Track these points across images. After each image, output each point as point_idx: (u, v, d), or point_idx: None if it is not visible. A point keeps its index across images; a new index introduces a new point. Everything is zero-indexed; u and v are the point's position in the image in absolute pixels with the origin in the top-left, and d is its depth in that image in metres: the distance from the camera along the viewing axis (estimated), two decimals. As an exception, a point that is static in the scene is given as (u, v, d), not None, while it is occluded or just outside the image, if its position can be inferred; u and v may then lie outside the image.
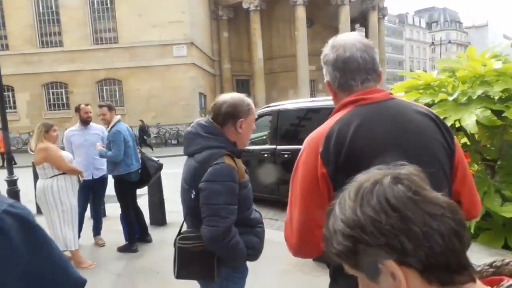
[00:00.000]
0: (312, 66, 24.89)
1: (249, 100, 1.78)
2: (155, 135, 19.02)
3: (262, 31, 24.61)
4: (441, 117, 1.27)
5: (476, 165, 3.19)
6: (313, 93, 25.73)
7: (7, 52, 19.25)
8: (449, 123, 2.54)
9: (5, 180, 5.37)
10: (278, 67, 27.25)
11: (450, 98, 2.64)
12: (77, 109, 4.48)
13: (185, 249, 1.64)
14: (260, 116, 6.49)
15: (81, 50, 20.15)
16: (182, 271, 1.68)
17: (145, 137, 17.24)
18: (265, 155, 5.90)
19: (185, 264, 1.66)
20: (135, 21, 19.53)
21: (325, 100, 5.37)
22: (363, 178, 0.61)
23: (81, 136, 4.54)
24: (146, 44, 19.73)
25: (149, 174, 4.46)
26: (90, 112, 4.56)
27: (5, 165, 5.79)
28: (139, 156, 4.52)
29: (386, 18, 33.03)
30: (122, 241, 4.44)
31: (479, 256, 2.74)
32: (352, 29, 28.93)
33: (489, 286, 0.59)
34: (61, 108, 20.93)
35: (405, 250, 0.53)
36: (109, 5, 20.45)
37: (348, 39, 1.23)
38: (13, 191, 5.28)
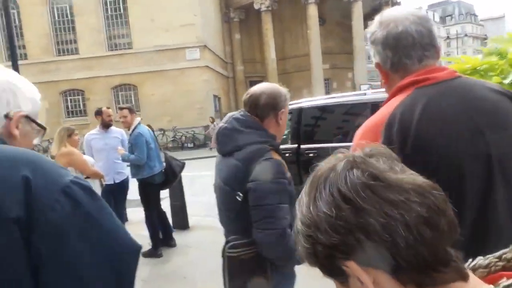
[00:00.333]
0: (326, 65, 24.61)
1: (284, 90, 1.67)
2: (171, 139, 19.09)
3: (274, 31, 24.46)
4: None
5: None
6: (328, 92, 25.38)
7: (26, 62, 19.59)
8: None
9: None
10: (291, 67, 27.04)
11: (506, 81, 2.43)
12: (99, 113, 4.44)
13: (235, 257, 1.49)
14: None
15: (96, 57, 20.39)
16: (233, 282, 1.54)
17: None
18: (287, 154, 5.74)
19: (236, 273, 1.51)
20: (148, 25, 19.65)
21: (347, 96, 5.21)
22: (320, 166, 0.53)
23: (102, 140, 4.49)
24: (159, 49, 19.82)
25: (175, 174, 4.43)
26: (112, 115, 4.53)
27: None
28: (162, 157, 4.47)
29: (399, 13, 32.40)
30: (146, 246, 4.36)
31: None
32: (365, 26, 28.52)
33: (491, 284, 0.49)
34: (78, 114, 21.21)
35: (364, 249, 0.45)
36: (122, 10, 20.66)
37: (398, 12, 1.08)
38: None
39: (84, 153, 4.29)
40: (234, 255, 1.48)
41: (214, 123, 17.88)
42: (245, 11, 26.09)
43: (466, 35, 54.73)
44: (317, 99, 6.22)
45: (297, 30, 26.78)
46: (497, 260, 0.54)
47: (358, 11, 24.00)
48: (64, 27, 21.18)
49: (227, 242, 1.54)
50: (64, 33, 21.19)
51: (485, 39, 72.64)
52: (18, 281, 0.63)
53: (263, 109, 1.58)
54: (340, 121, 4.94)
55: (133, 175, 4.23)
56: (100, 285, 0.70)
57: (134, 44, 20.46)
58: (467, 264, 0.54)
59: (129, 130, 4.21)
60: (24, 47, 20.77)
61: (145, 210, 4.31)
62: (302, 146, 5.51)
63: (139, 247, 0.80)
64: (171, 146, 18.41)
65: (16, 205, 0.64)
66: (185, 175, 5.73)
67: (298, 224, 0.52)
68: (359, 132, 1.06)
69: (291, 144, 5.79)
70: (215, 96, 22.39)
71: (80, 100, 21.19)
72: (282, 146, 6.24)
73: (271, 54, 24.20)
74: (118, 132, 4.63)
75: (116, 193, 4.52)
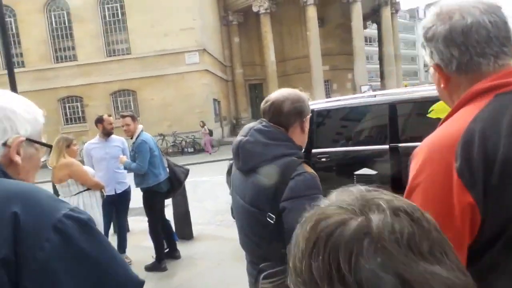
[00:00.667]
0: (326, 66, 24.49)
1: (306, 94, 1.52)
2: (171, 144, 18.91)
3: (273, 34, 24.35)
4: None
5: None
6: (328, 94, 25.30)
7: (23, 69, 19.47)
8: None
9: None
10: (291, 69, 26.92)
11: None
12: (99, 121, 4.27)
13: None
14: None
15: (94, 63, 20.23)
16: None
17: None
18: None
19: None
20: (146, 30, 19.51)
21: (359, 98, 5.03)
22: (327, 208, 0.44)
23: (102, 149, 4.32)
24: (159, 54, 19.68)
25: (180, 181, 4.28)
26: (113, 123, 4.36)
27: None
28: (166, 164, 4.32)
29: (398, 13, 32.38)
30: (149, 258, 4.19)
31: None
32: (364, 26, 28.43)
33: None
34: (77, 121, 21.05)
35: None
36: (120, 16, 20.51)
37: (461, 0, 0.87)
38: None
39: (83, 163, 4.12)
40: (269, 285, 1.31)
41: (205, 127, 17.72)
42: (244, 14, 26.00)
43: (464, 34, 54.53)
44: (324, 101, 6.06)
45: (296, 32, 26.68)
46: None
47: (357, 11, 23.89)
48: (62, 34, 21.03)
49: (259, 272, 1.35)
50: (62, 40, 21.04)
51: (483, 37, 72.51)
52: None
53: (288, 117, 1.42)
54: (355, 124, 4.74)
55: (137, 185, 4.08)
56: None
57: (133, 49, 20.31)
58: None
59: (131, 138, 4.05)
60: (21, 54, 20.61)
61: (149, 220, 4.14)
62: (314, 151, 5.34)
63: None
64: (171, 151, 18.24)
65: (4, 244, 0.62)
66: (186, 181, 5.58)
67: (290, 262, 0.44)
68: (425, 148, 0.83)
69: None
70: (214, 100, 22.24)
71: (79, 107, 21.01)
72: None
73: (271, 56, 24.08)
74: (118, 140, 4.46)
75: (117, 204, 4.35)
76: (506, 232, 0.74)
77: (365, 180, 4.13)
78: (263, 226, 1.32)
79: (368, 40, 41.68)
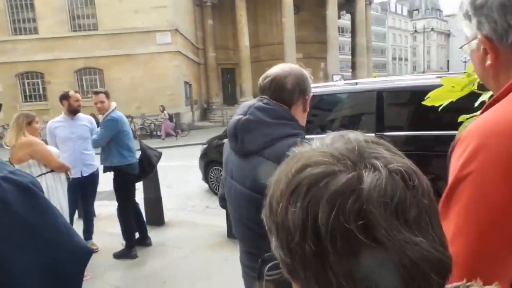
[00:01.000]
0: (299, 54, 24.45)
1: (307, 71, 1.39)
2: (140, 127, 18.28)
3: (247, 18, 23.93)
4: None
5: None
6: (300, 82, 25.36)
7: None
8: None
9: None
10: (264, 55, 26.67)
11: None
12: (65, 97, 3.92)
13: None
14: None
15: (58, 37, 19.01)
16: None
17: None
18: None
19: None
20: (115, 6, 18.53)
21: (342, 85, 4.94)
22: (313, 153, 0.41)
23: (67, 128, 3.99)
24: (128, 31, 18.79)
25: (153, 164, 4.09)
26: (81, 100, 4.03)
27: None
28: (137, 145, 4.11)
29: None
30: (117, 245, 3.96)
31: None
32: (338, 16, 28.56)
33: None
34: (37, 99, 19.85)
35: None
36: (87, -11, 19.36)
37: None
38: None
39: (46, 143, 3.79)
40: (276, 277, 1.17)
41: (164, 112, 17.00)
42: (218, -4, 25.33)
43: (432, 29, 56.50)
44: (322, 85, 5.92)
45: (271, 17, 26.38)
46: None
47: (333, 0, 23.92)
48: (21, 4, 19.55)
49: (263, 262, 1.21)
50: (22, 10, 19.57)
51: (449, 34, 75.56)
52: None
53: (291, 94, 1.29)
54: (346, 112, 4.64)
55: (101, 162, 3.89)
56: None
57: (100, 25, 19.26)
58: None
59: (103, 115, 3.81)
60: (-26, 24, 19.05)
61: (119, 204, 3.91)
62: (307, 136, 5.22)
63: (87, 252, 0.73)
64: (139, 134, 17.62)
65: None
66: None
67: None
68: (480, 135, 0.70)
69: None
70: (186, 83, 21.68)
71: (40, 84, 19.79)
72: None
73: (245, 41, 23.70)
74: (86, 119, 4.14)
75: (84, 187, 4.05)
76: None
77: None
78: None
79: (340, 30, 41.98)
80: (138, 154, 4.09)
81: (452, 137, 0.85)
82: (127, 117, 19.08)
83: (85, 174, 4.01)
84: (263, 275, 1.18)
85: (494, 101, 0.79)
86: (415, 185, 0.37)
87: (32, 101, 19.73)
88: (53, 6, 19.01)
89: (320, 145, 0.42)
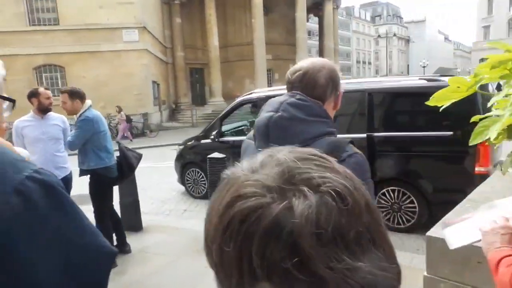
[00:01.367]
0: (268, 55, 24.56)
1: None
2: (105, 127, 17.53)
3: (217, 18, 23.69)
4: None
5: None
6: (269, 83, 25.45)
7: None
8: None
9: None
10: (233, 56, 26.56)
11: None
12: (34, 94, 3.59)
13: None
14: (241, 104, 5.94)
15: (14, 31, 17.82)
16: None
17: None
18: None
19: None
20: (78, 1, 17.67)
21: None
22: (246, 178, 0.38)
23: (37, 128, 3.66)
24: (92, 27, 17.97)
25: (132, 167, 3.91)
26: (52, 97, 3.72)
27: None
28: (115, 146, 3.90)
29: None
30: (94, 254, 3.70)
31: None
32: (307, 19, 29.00)
33: None
34: (-9, 97, 18.52)
35: None
36: (46, -19, 18.34)
37: None
38: None
39: (13, 144, 3.46)
40: None
41: (122, 113, 16.29)
42: (187, -6, 24.89)
43: (395, 34, 58.88)
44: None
45: (240, 18, 26.32)
46: None
47: (302, 3, 24.26)
48: (-27, -6, 18.18)
49: None
50: (-27, 1, 18.20)
51: (408, 40, 79.13)
52: None
53: (324, 89, 1.20)
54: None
55: (79, 164, 3.68)
56: None
57: (62, 20, 18.29)
58: None
59: (75, 116, 3.56)
60: None
61: (96, 209, 3.66)
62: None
63: (111, 253, 0.72)
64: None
65: None
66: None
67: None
68: None
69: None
70: (154, 82, 21.10)
71: (-6, 81, 18.47)
72: (242, 138, 5.93)
73: (214, 41, 23.43)
74: (58, 118, 3.82)
75: (55, 192, 3.75)
76: None
77: (218, 163, 4.11)
78: None
79: (308, 33, 42.68)
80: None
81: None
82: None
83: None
84: None
85: None
86: (351, 203, 0.34)
87: (-15, 99, 18.38)
88: (9, -2, 17.85)
89: (250, 169, 0.38)
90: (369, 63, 76.29)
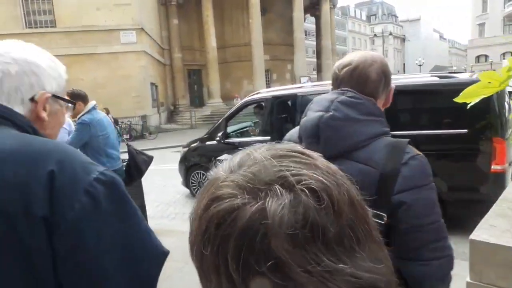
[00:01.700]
0: (266, 56, 24.49)
1: None
2: (103, 130, 17.40)
3: (214, 19, 23.60)
4: None
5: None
6: (268, 84, 25.39)
7: None
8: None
9: None
10: (231, 57, 26.47)
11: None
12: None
13: None
14: (247, 105, 5.85)
15: (11, 34, 17.59)
16: None
17: None
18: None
19: None
20: (75, 3, 17.50)
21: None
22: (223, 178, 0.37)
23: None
24: (90, 29, 17.81)
25: (141, 171, 3.82)
26: None
27: None
28: (122, 148, 3.81)
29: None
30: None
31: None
32: (305, 19, 28.98)
33: None
34: (-12, 101, 18.32)
35: None
36: (43, -17, 18.17)
37: None
38: None
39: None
40: None
41: (109, 115, 16.16)
42: (183, -5, 24.78)
43: (391, 33, 59.07)
44: (289, 87, 5.84)
45: (238, 18, 26.25)
46: None
47: (299, 3, 24.21)
48: (-33, -3, 17.98)
49: None
50: (-32, 4, 18.00)
51: (404, 39, 79.38)
52: (45, 281, 0.63)
53: (376, 85, 1.10)
54: None
55: None
56: None
57: (59, 23, 18.12)
58: None
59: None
60: None
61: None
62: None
63: (164, 253, 0.76)
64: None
65: (43, 203, 0.63)
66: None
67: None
68: None
69: (263, 136, 5.34)
70: (152, 84, 20.95)
71: (-10, 84, 18.28)
72: (251, 139, 5.72)
73: (212, 42, 23.33)
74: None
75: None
76: None
77: None
78: None
79: (304, 33, 42.73)
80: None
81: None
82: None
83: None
84: None
85: None
86: (328, 200, 0.33)
87: (-19, 103, 18.17)
88: (3, 0, 17.64)
89: (228, 169, 0.37)
90: (366, 62, 76.32)
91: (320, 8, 27.38)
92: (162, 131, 19.67)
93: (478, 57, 46.19)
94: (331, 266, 0.31)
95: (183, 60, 25.36)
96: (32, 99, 0.78)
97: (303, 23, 26.27)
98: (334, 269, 0.31)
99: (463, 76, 4.28)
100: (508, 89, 3.43)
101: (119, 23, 18.05)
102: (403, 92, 4.22)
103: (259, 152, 0.37)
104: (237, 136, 6.06)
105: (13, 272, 0.62)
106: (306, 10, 29.25)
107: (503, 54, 41.29)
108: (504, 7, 41.87)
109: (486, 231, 1.60)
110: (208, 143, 6.07)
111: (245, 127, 6.46)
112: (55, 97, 0.83)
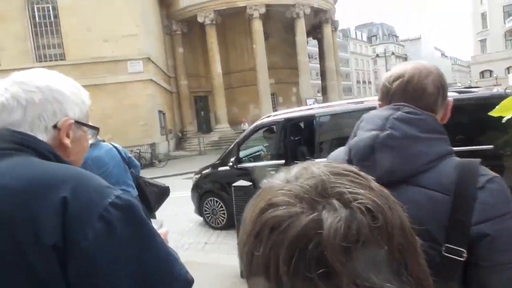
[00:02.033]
0: (271, 80, 24.69)
1: None
2: (112, 159, 17.41)
3: (218, 46, 24.01)
4: None
5: None
6: (274, 107, 25.46)
7: None
8: None
9: None
10: (236, 82, 26.73)
11: None
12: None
13: None
14: (258, 129, 5.77)
15: (21, 68, 17.64)
16: None
17: None
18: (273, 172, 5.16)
19: None
20: (83, 35, 17.95)
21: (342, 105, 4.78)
22: (281, 194, 0.38)
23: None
24: (97, 61, 18.18)
25: (150, 205, 3.51)
26: None
27: None
28: (130, 182, 3.56)
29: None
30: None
31: None
32: (307, 42, 29.39)
33: None
34: None
35: None
36: (52, 18, 18.67)
37: None
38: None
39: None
40: None
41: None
42: (188, 24, 25.35)
43: (393, 53, 59.70)
44: (301, 109, 5.77)
45: (242, 44, 26.68)
46: None
47: (301, 27, 24.61)
48: (-22, 35, 18.54)
49: None
50: (-21, 41, 18.55)
51: (406, 58, 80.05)
52: None
53: (434, 98, 0.98)
54: (338, 133, 4.43)
55: None
56: None
57: (68, 55, 18.55)
58: None
59: None
60: None
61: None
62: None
63: (187, 281, 0.73)
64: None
65: (54, 230, 0.62)
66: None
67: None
68: None
69: (278, 160, 5.23)
70: (160, 112, 21.12)
71: (1, 118, 18.53)
72: (266, 163, 5.57)
73: (217, 68, 23.65)
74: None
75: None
76: None
77: (243, 192, 3.92)
78: (430, 264, 0.84)
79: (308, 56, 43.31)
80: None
81: None
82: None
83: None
84: None
85: None
86: (382, 221, 0.34)
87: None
88: (16, 36, 18.16)
89: (284, 179, 0.39)
90: (369, 82, 76.87)
91: (322, 31, 27.78)
92: (171, 158, 19.63)
93: (482, 73, 46.20)
94: (379, 285, 0.31)
95: (189, 87, 25.67)
96: (55, 126, 0.78)
97: (306, 46, 26.61)
98: (380, 287, 0.31)
99: (483, 91, 4.17)
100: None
101: (125, 53, 18.41)
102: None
103: (317, 167, 0.39)
104: (250, 161, 5.94)
105: None
106: (308, 33, 29.70)
107: (508, 68, 41.27)
108: (505, 23, 42.18)
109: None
110: (220, 169, 5.95)
111: (257, 152, 6.35)
112: (78, 123, 0.83)
